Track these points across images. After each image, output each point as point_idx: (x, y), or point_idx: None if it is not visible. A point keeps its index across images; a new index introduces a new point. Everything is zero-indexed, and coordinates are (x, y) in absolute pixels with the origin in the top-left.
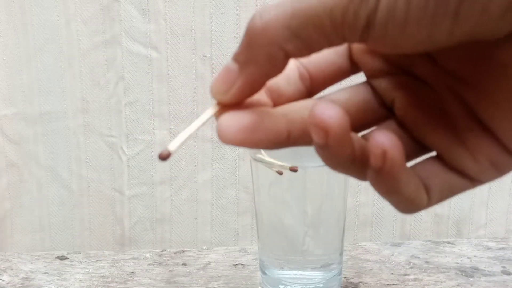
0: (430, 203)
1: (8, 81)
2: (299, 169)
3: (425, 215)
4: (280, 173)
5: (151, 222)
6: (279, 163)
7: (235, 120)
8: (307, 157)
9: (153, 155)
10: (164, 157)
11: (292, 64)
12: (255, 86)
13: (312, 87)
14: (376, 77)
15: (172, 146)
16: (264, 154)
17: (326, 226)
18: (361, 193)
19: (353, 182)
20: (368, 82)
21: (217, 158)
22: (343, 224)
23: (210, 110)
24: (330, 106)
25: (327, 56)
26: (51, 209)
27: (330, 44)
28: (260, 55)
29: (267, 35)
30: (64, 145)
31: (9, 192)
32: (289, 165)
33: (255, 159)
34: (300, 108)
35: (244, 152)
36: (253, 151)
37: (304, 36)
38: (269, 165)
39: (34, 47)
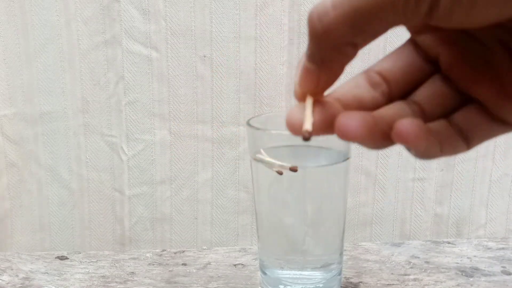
0: (469, 148)
1: (8, 81)
2: (299, 169)
3: (425, 215)
4: (280, 173)
5: (151, 222)
6: (279, 163)
7: (355, 118)
8: (307, 157)
9: (153, 155)
10: (307, 138)
11: (360, 79)
12: (337, 74)
13: (391, 90)
14: (421, 33)
15: (308, 126)
16: (264, 154)
17: (326, 226)
18: (361, 193)
19: (353, 182)
20: (411, 41)
21: (217, 158)
22: (343, 224)
23: (309, 103)
24: (409, 124)
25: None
26: (51, 209)
27: (392, 27)
28: (333, 53)
29: (333, 36)
30: (64, 145)
31: (9, 192)
32: (289, 165)
33: (255, 159)
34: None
35: (244, 152)
36: (253, 151)
37: (369, 29)
38: (269, 165)
39: (34, 47)
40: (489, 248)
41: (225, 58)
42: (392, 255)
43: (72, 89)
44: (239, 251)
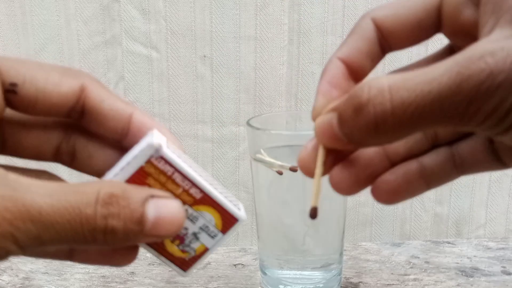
0: (428, 189)
1: None
2: (299, 169)
3: (425, 215)
4: (280, 173)
5: None
6: (279, 163)
7: (345, 179)
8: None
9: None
10: (314, 215)
11: (374, 36)
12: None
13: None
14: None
15: (314, 203)
16: (264, 154)
17: (326, 226)
18: (361, 193)
19: None
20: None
21: (217, 158)
22: (343, 224)
23: (321, 155)
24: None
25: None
26: None
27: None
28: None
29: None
30: None
31: None
32: (289, 165)
33: (255, 159)
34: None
35: (244, 152)
36: (253, 151)
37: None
38: (269, 165)
39: (34, 47)
40: (489, 248)
41: (225, 58)
42: (392, 255)
43: None
44: (239, 251)
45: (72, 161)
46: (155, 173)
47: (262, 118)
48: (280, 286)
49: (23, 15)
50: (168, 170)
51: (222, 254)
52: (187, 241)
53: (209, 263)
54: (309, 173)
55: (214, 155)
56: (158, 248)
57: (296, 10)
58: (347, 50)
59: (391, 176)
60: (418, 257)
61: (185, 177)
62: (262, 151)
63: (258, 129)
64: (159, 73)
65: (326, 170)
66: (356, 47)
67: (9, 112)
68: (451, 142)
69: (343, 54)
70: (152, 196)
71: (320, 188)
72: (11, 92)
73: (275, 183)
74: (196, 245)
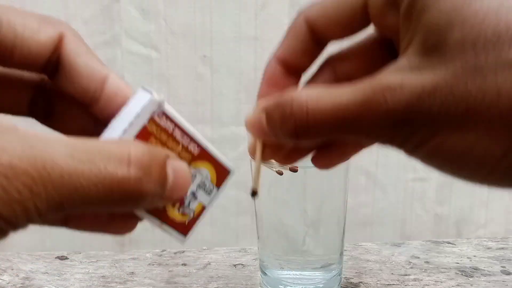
0: None
1: None
2: (299, 169)
3: (425, 215)
4: (280, 173)
5: None
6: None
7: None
8: (307, 157)
9: None
10: (254, 194)
11: (307, 35)
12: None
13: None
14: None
15: (255, 185)
16: None
17: (326, 226)
18: (361, 193)
19: (353, 182)
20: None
21: None
22: (343, 224)
23: (259, 143)
24: None
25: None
26: None
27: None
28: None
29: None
30: None
31: None
32: (289, 165)
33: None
34: None
35: (244, 152)
36: (253, 150)
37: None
38: (269, 165)
39: None
40: (489, 248)
41: (225, 58)
42: (392, 255)
43: None
44: (239, 251)
45: (46, 118)
46: (157, 132)
47: None
48: (280, 286)
49: None
50: (169, 126)
51: (222, 254)
52: (186, 202)
53: (209, 263)
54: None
55: None
56: (161, 215)
57: (296, 10)
58: (282, 50)
59: (326, 149)
60: (418, 257)
61: (184, 132)
62: None
63: None
64: (159, 73)
65: (267, 157)
66: (290, 46)
67: None
68: None
69: (279, 54)
70: (168, 156)
71: (259, 172)
72: None
73: (275, 183)
74: (194, 205)
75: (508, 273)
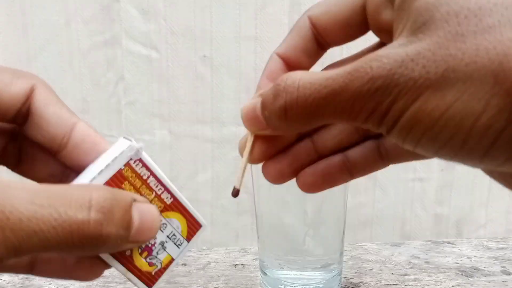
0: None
1: None
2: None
3: (425, 215)
4: None
5: None
6: None
7: (273, 169)
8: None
9: (153, 155)
10: (235, 194)
11: (310, 34)
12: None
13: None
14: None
15: (237, 184)
16: None
17: (326, 226)
18: (361, 193)
19: (353, 182)
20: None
21: (217, 158)
22: (343, 224)
23: (250, 140)
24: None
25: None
26: None
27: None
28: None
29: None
30: None
31: None
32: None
33: None
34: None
35: None
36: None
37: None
38: None
39: (34, 47)
40: (489, 248)
41: (225, 58)
42: (392, 255)
43: (72, 89)
44: (239, 251)
45: (16, 165)
46: (132, 177)
47: None
48: (280, 286)
49: (23, 15)
50: (145, 173)
51: (222, 254)
52: (154, 252)
53: (209, 263)
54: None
55: (214, 155)
56: (127, 262)
57: (296, 10)
58: (284, 47)
59: (310, 170)
60: (418, 257)
61: (158, 180)
62: None
63: None
64: (159, 73)
65: (255, 157)
66: (293, 44)
67: None
68: (380, 136)
69: (281, 50)
70: (135, 200)
71: (245, 170)
72: None
73: None
74: (162, 256)
75: (508, 273)
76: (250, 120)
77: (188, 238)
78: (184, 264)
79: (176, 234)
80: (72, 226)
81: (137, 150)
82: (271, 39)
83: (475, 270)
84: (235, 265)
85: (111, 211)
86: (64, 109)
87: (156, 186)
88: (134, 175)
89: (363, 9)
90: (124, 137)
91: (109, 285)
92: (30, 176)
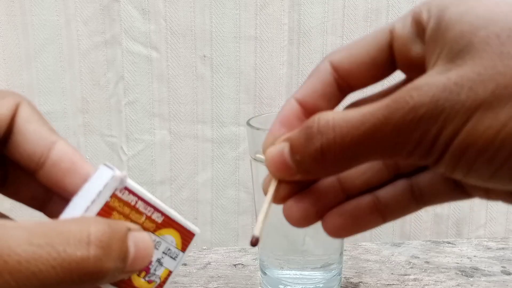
0: (385, 222)
1: (8, 81)
2: None
3: (425, 215)
4: None
5: None
6: None
7: (296, 210)
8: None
9: (153, 155)
10: (254, 243)
11: (331, 79)
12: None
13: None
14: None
15: (256, 232)
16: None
17: None
18: None
19: None
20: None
21: (217, 158)
22: None
23: (272, 187)
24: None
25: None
26: None
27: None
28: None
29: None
30: None
31: None
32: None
33: (255, 159)
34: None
35: (244, 152)
36: (253, 151)
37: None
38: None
39: (34, 47)
40: (489, 248)
41: (225, 58)
42: (392, 255)
43: (72, 89)
44: (239, 251)
45: (2, 186)
46: (119, 206)
47: (262, 118)
48: (280, 286)
49: (23, 15)
50: (132, 200)
51: (222, 254)
52: (152, 270)
53: (209, 263)
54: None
55: (214, 155)
56: (127, 286)
57: (296, 10)
58: (303, 92)
59: (339, 211)
60: (418, 257)
61: (147, 203)
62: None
63: (258, 129)
64: (159, 73)
65: (278, 200)
66: (312, 89)
67: None
68: (411, 173)
69: (300, 95)
70: (129, 229)
71: (266, 218)
72: None
73: None
74: (160, 271)
75: (508, 273)
76: (277, 166)
77: (183, 248)
78: (184, 264)
79: (171, 248)
80: (72, 264)
81: (121, 179)
82: (271, 39)
83: (475, 270)
84: (235, 265)
85: (109, 245)
86: (45, 128)
87: (145, 209)
88: (121, 203)
89: (390, 47)
90: (104, 165)
91: None
92: (13, 197)
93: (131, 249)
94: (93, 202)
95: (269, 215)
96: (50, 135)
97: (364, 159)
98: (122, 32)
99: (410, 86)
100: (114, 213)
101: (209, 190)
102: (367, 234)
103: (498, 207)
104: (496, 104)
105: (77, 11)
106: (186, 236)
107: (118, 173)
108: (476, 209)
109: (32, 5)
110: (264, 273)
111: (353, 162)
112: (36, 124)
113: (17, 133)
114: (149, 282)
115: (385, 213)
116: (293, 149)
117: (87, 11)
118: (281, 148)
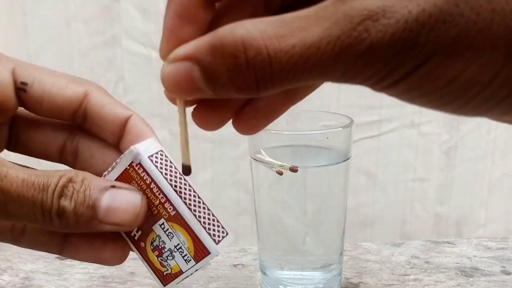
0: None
1: None
2: (299, 169)
3: (425, 215)
4: (280, 173)
5: None
6: (279, 163)
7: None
8: (307, 157)
9: None
10: (188, 172)
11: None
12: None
13: None
14: None
15: (186, 161)
16: (264, 154)
17: (326, 226)
18: (361, 193)
19: (353, 182)
20: None
21: (217, 158)
22: (343, 224)
23: (180, 106)
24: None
25: None
26: None
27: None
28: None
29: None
30: None
31: None
32: (289, 165)
33: (255, 159)
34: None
35: (244, 152)
36: (253, 151)
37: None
38: (269, 165)
39: (34, 47)
40: (489, 248)
41: None
42: (392, 255)
43: None
44: (239, 251)
45: (75, 161)
46: (137, 178)
47: None
48: (280, 286)
49: (23, 15)
50: (147, 178)
51: (222, 254)
52: (164, 255)
53: (209, 263)
54: (174, 100)
55: (214, 155)
56: (142, 252)
57: None
58: None
59: (252, 106)
60: (418, 257)
61: (159, 189)
62: (262, 151)
63: None
64: (159, 73)
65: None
66: None
67: (21, 110)
68: None
69: None
70: (113, 187)
71: (187, 143)
72: (21, 90)
73: (275, 183)
74: (172, 263)
75: (508, 273)
76: (183, 89)
77: (196, 258)
78: None
79: (183, 248)
80: (42, 198)
81: (135, 154)
82: None
83: (475, 270)
84: (235, 265)
85: (71, 189)
86: (119, 106)
87: (159, 194)
88: (138, 177)
89: None
90: (152, 138)
91: (109, 285)
92: (89, 171)
93: (104, 201)
94: (116, 164)
95: (188, 137)
96: (124, 111)
97: (303, 84)
98: (122, 32)
99: (360, 9)
100: (133, 182)
101: (209, 190)
102: (367, 234)
103: (498, 207)
104: (453, 53)
105: (77, 11)
106: (200, 248)
107: (137, 147)
108: (476, 209)
109: (32, 5)
110: (264, 274)
111: (290, 87)
112: (109, 106)
113: (94, 116)
114: (162, 264)
115: (293, 97)
116: (210, 79)
117: (87, 11)
118: (187, 70)
